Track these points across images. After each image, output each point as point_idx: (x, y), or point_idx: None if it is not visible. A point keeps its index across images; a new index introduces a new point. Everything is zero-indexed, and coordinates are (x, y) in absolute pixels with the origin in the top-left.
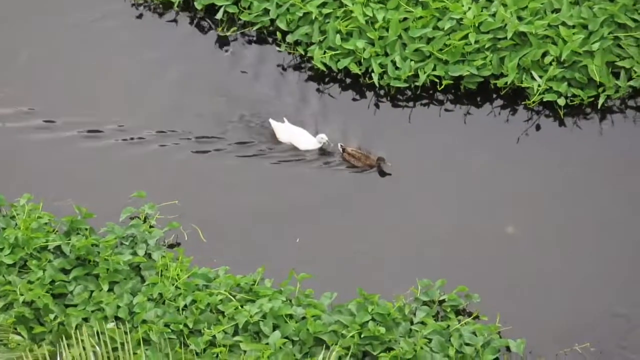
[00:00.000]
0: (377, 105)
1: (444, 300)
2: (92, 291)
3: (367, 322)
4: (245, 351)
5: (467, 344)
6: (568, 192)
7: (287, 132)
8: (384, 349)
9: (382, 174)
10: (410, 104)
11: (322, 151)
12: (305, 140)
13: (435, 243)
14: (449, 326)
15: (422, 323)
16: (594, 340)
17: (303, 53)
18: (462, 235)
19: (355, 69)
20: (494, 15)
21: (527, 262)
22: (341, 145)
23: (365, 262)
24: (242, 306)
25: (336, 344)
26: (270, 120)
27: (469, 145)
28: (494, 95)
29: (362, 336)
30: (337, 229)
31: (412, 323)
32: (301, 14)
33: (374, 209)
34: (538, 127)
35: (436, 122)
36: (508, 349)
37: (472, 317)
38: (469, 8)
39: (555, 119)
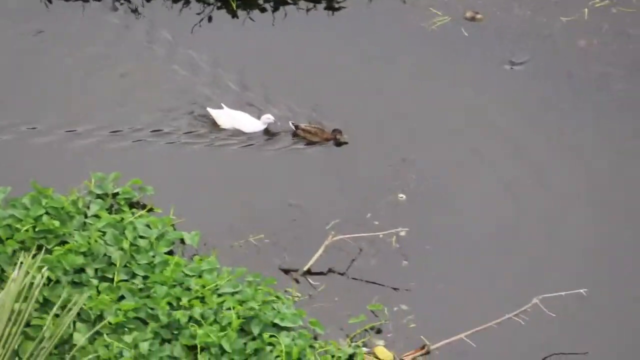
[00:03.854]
0: None
1: (117, 193)
2: None
3: (41, 215)
4: None
5: (141, 237)
6: (242, 80)
7: (229, 117)
8: (58, 242)
9: (339, 145)
10: None
11: (268, 132)
12: (250, 122)
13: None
14: (122, 219)
15: (96, 216)
16: (268, 232)
17: None
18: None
19: None
20: None
21: (201, 158)
22: (293, 123)
23: (42, 154)
24: None
25: (11, 238)
26: (209, 109)
27: (143, 38)
28: None
29: (36, 230)
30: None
31: (86, 216)
32: None
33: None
34: (210, 19)
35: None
36: (182, 241)
37: (145, 209)
38: None
39: (229, 11)
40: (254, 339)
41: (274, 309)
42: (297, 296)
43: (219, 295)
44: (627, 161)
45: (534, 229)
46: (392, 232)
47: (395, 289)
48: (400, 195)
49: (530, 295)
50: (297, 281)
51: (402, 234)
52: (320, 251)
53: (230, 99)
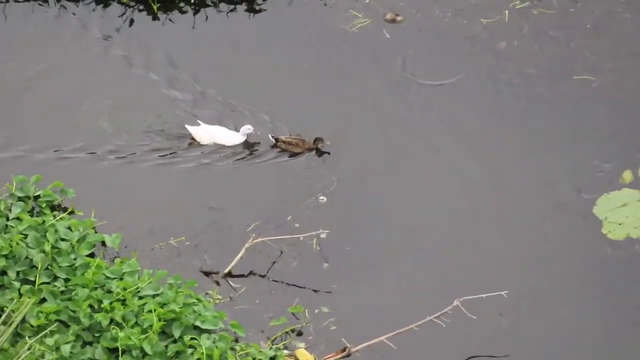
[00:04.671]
0: None
1: (39, 196)
2: None
3: None
4: None
5: (63, 239)
6: (163, 76)
7: (207, 133)
8: None
9: (322, 154)
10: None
11: (247, 143)
12: (229, 136)
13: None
14: (44, 222)
15: (18, 219)
16: (189, 234)
17: None
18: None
19: None
20: None
21: (122, 164)
22: (272, 136)
23: None
24: None
25: None
26: (187, 126)
27: (60, 42)
28: None
29: None
30: None
31: (7, 219)
32: None
33: None
34: (132, 22)
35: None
36: (104, 243)
37: (67, 212)
38: None
39: (149, 13)
40: (175, 341)
41: (194, 311)
42: (218, 298)
43: (140, 298)
44: (551, 162)
45: (456, 231)
46: (313, 235)
47: (316, 291)
48: (321, 197)
49: (452, 297)
50: (218, 283)
51: (323, 236)
52: (241, 253)
53: (151, 98)
